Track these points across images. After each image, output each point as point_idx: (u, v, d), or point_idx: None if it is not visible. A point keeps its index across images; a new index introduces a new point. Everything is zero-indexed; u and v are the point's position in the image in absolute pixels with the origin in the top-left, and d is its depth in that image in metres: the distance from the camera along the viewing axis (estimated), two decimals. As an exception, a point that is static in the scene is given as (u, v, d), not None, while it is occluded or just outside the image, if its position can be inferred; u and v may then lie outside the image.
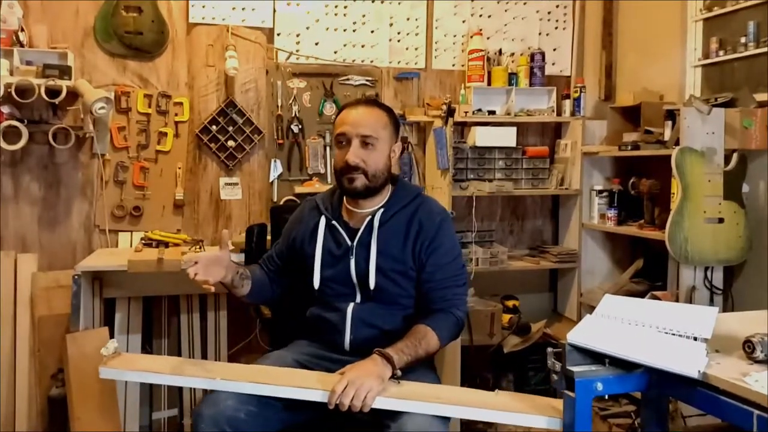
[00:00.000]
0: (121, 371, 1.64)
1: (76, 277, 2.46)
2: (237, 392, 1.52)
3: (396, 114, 1.86)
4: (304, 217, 1.89)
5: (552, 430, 1.37)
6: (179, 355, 2.94)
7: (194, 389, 2.88)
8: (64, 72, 2.69)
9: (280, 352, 1.82)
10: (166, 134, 3.03)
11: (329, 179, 3.22)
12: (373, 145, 1.72)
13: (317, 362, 1.75)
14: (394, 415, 1.47)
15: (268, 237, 2.34)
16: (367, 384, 1.43)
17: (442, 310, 1.71)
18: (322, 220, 1.82)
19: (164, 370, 1.60)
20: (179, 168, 3.05)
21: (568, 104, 3.44)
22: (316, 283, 1.78)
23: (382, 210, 1.76)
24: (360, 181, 1.72)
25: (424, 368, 1.73)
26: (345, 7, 3.29)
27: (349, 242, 1.77)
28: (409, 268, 1.75)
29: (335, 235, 1.80)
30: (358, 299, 1.77)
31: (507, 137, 3.34)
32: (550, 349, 1.38)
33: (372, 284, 1.72)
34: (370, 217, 1.76)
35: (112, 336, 2.72)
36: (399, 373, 1.52)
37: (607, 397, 1.60)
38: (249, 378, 1.53)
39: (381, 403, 1.46)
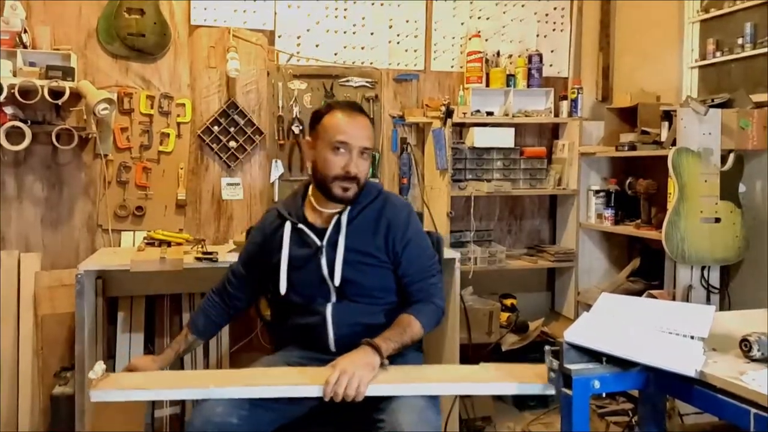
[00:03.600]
0: (111, 391, 1.54)
1: (79, 276, 2.46)
2: (227, 398, 1.54)
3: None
4: (266, 228, 1.90)
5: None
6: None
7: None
8: (67, 73, 2.70)
9: (271, 357, 1.87)
10: (168, 135, 3.05)
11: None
12: (367, 156, 1.77)
13: (308, 363, 1.76)
14: (387, 409, 1.51)
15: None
16: (358, 373, 1.48)
17: (422, 301, 1.78)
18: (287, 226, 1.82)
19: (159, 386, 1.60)
20: (181, 168, 3.07)
21: (565, 105, 3.46)
22: (283, 290, 1.80)
23: (349, 208, 1.79)
24: (353, 190, 1.75)
25: (412, 351, 1.81)
26: (345, 9, 3.31)
27: (318, 242, 1.78)
28: (382, 262, 1.79)
29: (303, 238, 1.81)
30: (334, 299, 1.78)
31: (505, 138, 3.36)
32: (547, 348, 1.39)
33: (338, 279, 1.74)
34: (337, 216, 1.79)
35: (113, 336, 2.75)
36: (387, 361, 1.57)
37: (604, 395, 1.61)
38: (241, 382, 1.53)
39: (374, 390, 1.49)
